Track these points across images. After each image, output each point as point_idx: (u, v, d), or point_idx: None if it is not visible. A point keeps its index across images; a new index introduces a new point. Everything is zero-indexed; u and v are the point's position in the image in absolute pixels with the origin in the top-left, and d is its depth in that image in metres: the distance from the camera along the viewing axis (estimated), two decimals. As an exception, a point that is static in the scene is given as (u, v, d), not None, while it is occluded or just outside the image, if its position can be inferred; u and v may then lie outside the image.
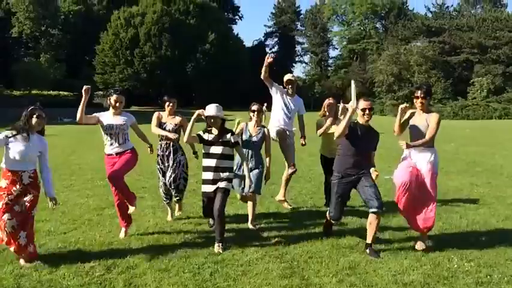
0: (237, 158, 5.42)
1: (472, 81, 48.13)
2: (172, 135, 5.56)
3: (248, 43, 67.71)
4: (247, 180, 5.09)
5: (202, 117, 4.91)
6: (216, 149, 4.91)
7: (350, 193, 5.07)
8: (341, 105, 6.32)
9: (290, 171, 6.23)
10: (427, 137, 4.73)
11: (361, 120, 4.89)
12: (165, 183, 5.83)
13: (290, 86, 6.42)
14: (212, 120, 4.90)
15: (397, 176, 4.83)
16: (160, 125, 5.79)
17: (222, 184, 4.89)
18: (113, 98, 5.14)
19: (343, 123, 4.76)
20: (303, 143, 6.75)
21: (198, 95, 50.68)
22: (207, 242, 5.04)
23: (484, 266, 4.36)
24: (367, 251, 4.68)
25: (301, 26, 75.38)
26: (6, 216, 4.21)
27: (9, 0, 51.29)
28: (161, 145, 5.81)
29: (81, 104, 4.97)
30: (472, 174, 10.08)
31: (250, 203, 5.69)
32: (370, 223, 4.72)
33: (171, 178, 5.71)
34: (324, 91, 64.93)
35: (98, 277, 4.05)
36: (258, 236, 5.34)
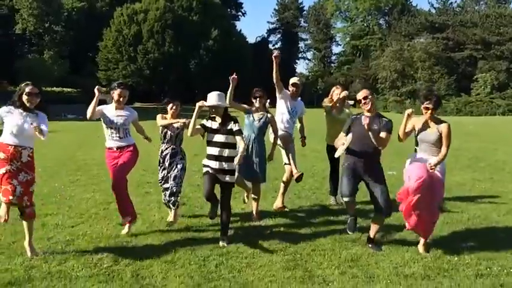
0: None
1: (475, 77, 48.08)
2: (181, 121, 5.32)
3: (251, 39, 67.72)
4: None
5: (205, 108, 4.86)
6: (220, 138, 4.86)
7: (360, 178, 4.80)
8: (343, 93, 6.37)
9: (296, 175, 6.05)
10: (445, 150, 4.61)
11: (365, 110, 4.81)
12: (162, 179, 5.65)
13: (295, 89, 6.33)
14: (214, 110, 4.87)
15: (412, 170, 4.54)
16: (161, 128, 5.59)
17: (227, 178, 4.90)
18: (117, 92, 5.08)
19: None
20: (304, 143, 6.76)
21: (200, 92, 50.76)
22: (211, 235, 5.14)
23: (484, 259, 4.44)
24: (370, 245, 4.77)
25: (304, 22, 75.37)
26: (15, 182, 4.23)
27: (13, -3, 51.38)
28: (162, 149, 5.59)
29: (93, 102, 5.02)
30: (474, 169, 10.15)
31: (253, 196, 5.76)
32: (375, 222, 4.78)
33: (165, 180, 5.54)
34: (327, 87, 64.79)
35: (105, 268, 4.16)
36: (261, 230, 5.44)
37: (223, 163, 4.87)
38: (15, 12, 50.65)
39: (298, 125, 6.61)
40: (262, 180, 5.82)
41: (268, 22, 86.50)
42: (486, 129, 24.31)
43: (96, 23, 51.64)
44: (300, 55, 76.47)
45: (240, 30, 61.95)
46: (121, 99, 5.06)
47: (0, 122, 4.38)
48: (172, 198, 5.44)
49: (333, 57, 75.11)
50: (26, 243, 4.51)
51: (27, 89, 4.37)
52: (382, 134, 4.62)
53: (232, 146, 4.93)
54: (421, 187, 4.36)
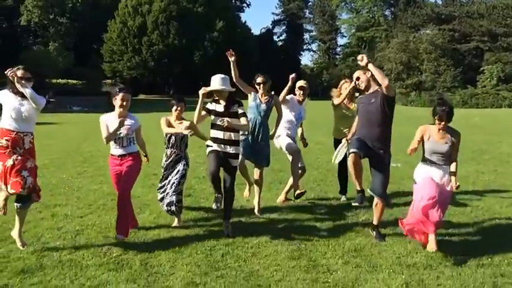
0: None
1: (482, 69, 47.77)
2: (187, 131, 4.93)
3: (256, 31, 67.45)
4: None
5: (207, 91, 4.80)
6: (222, 121, 4.77)
7: (369, 150, 4.68)
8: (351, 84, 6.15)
9: (298, 192, 5.91)
10: (457, 161, 4.56)
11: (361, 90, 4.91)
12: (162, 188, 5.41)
13: (302, 92, 6.22)
14: (218, 94, 4.82)
15: (424, 189, 4.38)
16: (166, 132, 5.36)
17: (232, 162, 4.91)
18: (119, 97, 4.81)
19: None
20: (305, 145, 6.73)
21: (205, 83, 50.71)
22: (217, 225, 5.23)
23: (486, 249, 4.50)
24: (373, 233, 4.84)
25: (310, 13, 75.08)
26: (25, 173, 4.16)
27: (18, -11, 51.42)
28: (167, 153, 5.39)
29: (114, 131, 4.76)
30: (478, 162, 10.18)
31: (256, 187, 5.79)
32: (376, 205, 4.83)
33: (168, 189, 5.27)
34: (332, 79, 64.59)
35: (115, 257, 4.27)
36: (266, 221, 5.53)
37: (228, 146, 4.87)
38: (20, 3, 50.70)
39: (299, 129, 6.56)
40: (266, 164, 5.79)
41: (273, 13, 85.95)
42: (491, 121, 24.25)
43: (100, 14, 51.64)
44: (304, 47, 76.26)
45: (245, 22, 61.83)
46: (124, 103, 4.79)
47: None
48: (172, 207, 5.14)
49: (338, 49, 74.91)
50: (16, 234, 4.44)
51: (18, 73, 4.24)
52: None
53: (236, 129, 4.90)
54: (433, 207, 4.27)
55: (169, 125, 5.29)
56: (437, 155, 4.51)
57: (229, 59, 5.33)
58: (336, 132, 6.59)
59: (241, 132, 5.19)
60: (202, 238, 4.80)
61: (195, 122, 4.92)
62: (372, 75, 4.73)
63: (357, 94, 6.92)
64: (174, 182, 5.17)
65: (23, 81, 4.23)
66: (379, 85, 4.67)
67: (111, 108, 5.00)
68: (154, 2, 50.22)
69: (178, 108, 5.27)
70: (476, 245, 4.67)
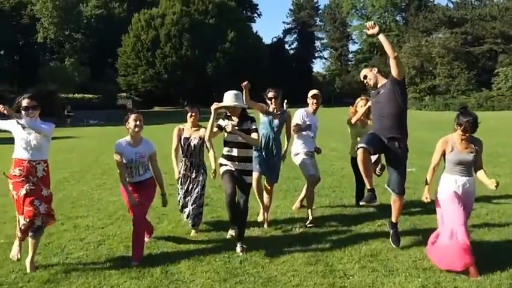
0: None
1: (496, 71, 47.20)
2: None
3: (267, 40, 68.00)
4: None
5: (221, 110, 4.72)
6: (236, 137, 4.72)
7: (382, 146, 4.60)
8: (368, 103, 6.08)
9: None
10: (482, 164, 4.39)
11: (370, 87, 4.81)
12: (183, 198, 5.48)
13: (315, 101, 6.03)
14: (231, 110, 4.76)
15: (451, 214, 4.20)
16: (184, 140, 5.38)
17: (246, 179, 4.86)
18: (132, 118, 4.70)
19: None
20: (319, 151, 6.27)
21: (218, 94, 51.22)
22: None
23: (502, 251, 4.51)
24: (391, 231, 4.74)
25: (320, 21, 75.36)
26: (37, 202, 4.16)
27: (34, 7, 52.67)
28: (185, 162, 5.41)
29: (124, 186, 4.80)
30: (495, 164, 10.10)
31: (266, 196, 5.71)
32: (394, 202, 4.72)
33: (190, 202, 5.37)
34: (344, 86, 64.68)
35: (136, 266, 4.39)
36: (283, 227, 5.60)
37: (242, 163, 4.82)
38: (36, 21, 51.95)
39: None
40: (276, 181, 5.77)
41: (283, 22, 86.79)
42: (507, 123, 23.95)
43: (114, 29, 52.68)
44: (316, 54, 76.50)
45: (256, 32, 62.25)
46: (138, 122, 4.67)
47: (9, 129, 4.34)
48: (196, 220, 5.32)
49: (350, 56, 75.01)
50: (27, 260, 4.35)
51: (23, 103, 4.25)
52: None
53: (250, 146, 4.88)
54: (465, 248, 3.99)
55: (181, 136, 5.38)
56: (461, 166, 4.32)
57: (244, 89, 5.05)
58: (353, 150, 6.25)
59: (253, 148, 5.15)
60: (220, 246, 4.91)
61: (206, 138, 4.87)
62: (379, 70, 4.75)
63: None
64: (196, 196, 5.31)
65: (29, 111, 4.23)
66: (387, 78, 4.66)
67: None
68: (167, 15, 51.06)
69: (193, 114, 5.32)
70: (492, 248, 4.68)
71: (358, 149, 4.46)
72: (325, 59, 77.28)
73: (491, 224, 5.52)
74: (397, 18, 67.79)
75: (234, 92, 4.78)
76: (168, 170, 9.27)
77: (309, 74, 67.65)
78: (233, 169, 4.80)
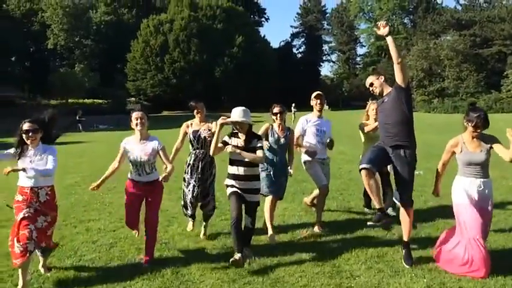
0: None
1: (505, 73, 46.92)
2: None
3: (275, 44, 68.22)
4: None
5: (227, 123, 4.58)
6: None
7: (386, 157, 4.44)
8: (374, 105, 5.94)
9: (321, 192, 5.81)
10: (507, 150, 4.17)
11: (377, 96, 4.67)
12: (190, 195, 5.43)
13: (319, 102, 5.82)
14: (238, 126, 4.63)
15: (473, 224, 4.14)
16: (193, 133, 5.41)
17: (253, 198, 4.70)
18: (133, 116, 4.71)
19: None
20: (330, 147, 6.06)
21: (227, 98, 51.51)
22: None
23: (507, 253, 4.56)
24: (403, 251, 4.48)
25: (328, 25, 75.42)
26: (31, 227, 4.07)
27: (44, 14, 53.39)
28: (197, 154, 5.40)
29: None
30: (502, 167, 10.09)
31: (267, 212, 5.41)
32: (402, 216, 4.48)
33: (202, 193, 5.40)
34: (352, 89, 64.62)
35: (148, 267, 4.51)
36: (290, 230, 5.69)
37: (248, 182, 4.65)
38: (46, 27, 52.64)
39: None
40: (282, 197, 5.67)
41: (291, 26, 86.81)
42: None
43: (123, 35, 53.20)
44: (324, 58, 76.55)
45: (264, 36, 62.53)
46: (139, 121, 4.64)
47: (9, 159, 4.28)
48: (212, 212, 5.61)
49: (358, 59, 74.90)
50: (40, 265, 4.49)
51: (24, 127, 4.19)
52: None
53: (257, 164, 4.73)
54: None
55: (186, 131, 5.50)
56: (473, 167, 4.21)
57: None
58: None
59: (260, 166, 5.09)
60: (229, 247, 5.00)
61: (211, 153, 4.71)
62: (386, 79, 4.60)
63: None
64: (211, 189, 5.51)
65: (29, 134, 4.15)
66: (392, 86, 4.50)
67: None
68: (175, 20, 51.46)
69: (200, 110, 5.38)
70: (498, 249, 4.72)
71: (360, 170, 4.27)
72: (333, 62, 77.34)
73: (498, 225, 5.56)
74: (405, 21, 67.64)
75: (242, 108, 4.63)
76: (177, 174, 9.42)
77: (317, 78, 67.66)
78: (239, 190, 4.63)
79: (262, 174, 5.26)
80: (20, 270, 4.02)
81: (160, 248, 5.11)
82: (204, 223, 5.57)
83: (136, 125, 4.68)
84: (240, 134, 4.66)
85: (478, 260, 3.97)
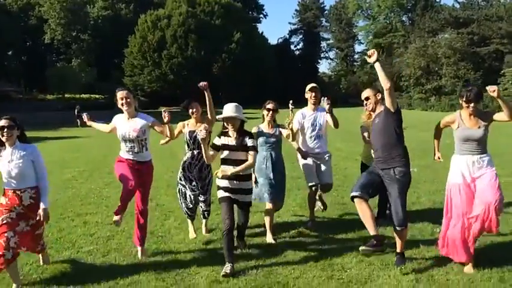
0: (258, 163, 5.10)
1: (502, 71, 47.06)
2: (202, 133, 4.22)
3: (273, 41, 68.20)
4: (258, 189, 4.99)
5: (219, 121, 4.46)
6: (235, 155, 4.41)
7: (379, 181, 4.29)
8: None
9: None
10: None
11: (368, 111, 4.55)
12: (190, 195, 5.27)
13: (313, 95, 5.68)
14: (230, 123, 4.41)
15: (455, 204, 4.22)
16: (189, 133, 5.24)
17: (245, 198, 4.54)
18: (118, 96, 4.55)
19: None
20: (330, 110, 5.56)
21: (224, 94, 51.58)
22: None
23: (495, 247, 4.67)
24: (395, 257, 4.35)
25: (326, 22, 75.44)
26: (9, 234, 3.88)
27: (41, 8, 53.24)
28: (193, 153, 5.23)
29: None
30: (497, 163, 10.22)
31: (268, 217, 5.26)
32: (396, 232, 4.29)
33: (202, 190, 5.28)
34: (349, 87, 64.74)
35: (144, 259, 4.61)
36: (284, 223, 5.80)
37: (242, 182, 4.48)
38: (43, 22, 52.51)
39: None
40: (280, 201, 5.38)
41: (289, 23, 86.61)
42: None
43: (121, 30, 53.12)
44: (322, 55, 76.61)
45: (262, 33, 62.55)
46: (124, 101, 4.52)
47: None
48: (209, 208, 5.45)
49: (356, 56, 74.95)
50: (40, 257, 4.53)
51: (0, 123, 3.97)
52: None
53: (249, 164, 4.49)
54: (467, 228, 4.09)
55: (182, 130, 5.32)
56: (470, 143, 4.17)
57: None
58: (364, 155, 6.02)
59: (258, 172, 5.10)
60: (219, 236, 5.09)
61: (207, 162, 4.56)
62: (382, 98, 4.44)
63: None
64: (209, 186, 5.32)
65: (4, 130, 3.95)
66: (383, 104, 4.35)
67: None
68: (173, 16, 51.39)
69: (195, 109, 5.19)
70: (485, 243, 4.81)
71: (352, 198, 4.21)
72: (331, 59, 77.42)
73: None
74: (403, 19, 67.64)
75: (235, 103, 4.47)
76: (174, 169, 9.50)
77: (315, 75, 67.64)
78: (230, 194, 4.44)
79: (261, 181, 5.15)
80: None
81: (157, 241, 5.22)
82: (204, 220, 5.52)
83: (122, 105, 4.54)
84: (230, 133, 4.45)
85: (459, 244, 4.06)
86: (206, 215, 5.48)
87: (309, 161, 5.70)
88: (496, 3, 55.97)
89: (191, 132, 5.23)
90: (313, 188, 5.68)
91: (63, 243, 5.23)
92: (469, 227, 4.11)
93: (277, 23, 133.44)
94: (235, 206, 4.52)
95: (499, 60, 49.92)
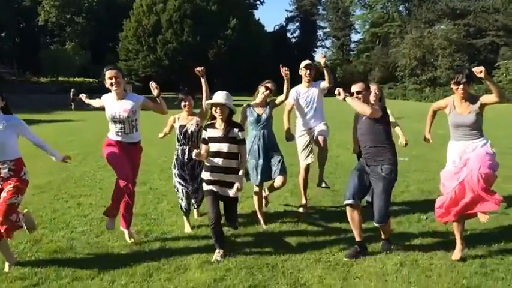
0: (248, 143, 5.02)
1: (497, 64, 47.26)
2: (195, 153, 4.23)
3: (269, 28, 67.80)
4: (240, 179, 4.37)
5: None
6: (222, 147, 4.25)
7: (368, 181, 4.36)
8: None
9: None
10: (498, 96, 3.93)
11: None
12: (187, 192, 5.12)
13: (308, 72, 5.66)
14: (219, 110, 4.24)
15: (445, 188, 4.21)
16: (180, 128, 5.11)
17: (231, 193, 4.32)
18: (107, 75, 4.36)
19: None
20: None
21: (219, 81, 51.39)
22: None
23: (480, 234, 4.81)
24: (381, 243, 4.46)
25: (323, 10, 75.02)
26: None
27: (36, -11, 52.56)
28: (183, 150, 5.08)
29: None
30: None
31: (257, 201, 5.31)
32: (380, 229, 4.40)
33: (195, 188, 5.11)
34: (345, 76, 64.62)
35: (137, 240, 4.70)
36: (275, 209, 5.91)
37: (228, 175, 4.31)
38: (37, 4, 51.84)
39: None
40: (284, 172, 5.16)
41: (286, 10, 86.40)
42: (503, 116, 24.19)
43: (116, 13, 52.59)
44: (318, 43, 76.35)
45: (258, 19, 62.12)
46: (113, 80, 4.35)
47: None
48: (201, 203, 5.28)
49: (352, 45, 74.82)
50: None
51: None
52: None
53: (237, 156, 4.34)
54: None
55: (173, 125, 5.20)
56: (463, 129, 4.11)
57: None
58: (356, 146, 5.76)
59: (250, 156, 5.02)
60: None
61: (203, 158, 4.43)
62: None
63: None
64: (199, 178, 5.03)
65: None
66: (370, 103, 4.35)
67: None
68: (169, 0, 50.91)
69: (187, 103, 5.04)
70: (467, 229, 4.92)
71: (345, 205, 4.31)
72: (327, 48, 77.16)
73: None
74: (400, 9, 67.45)
75: (225, 92, 4.33)
76: (168, 154, 9.57)
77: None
78: (214, 187, 4.33)
79: (252, 163, 5.08)
80: None
81: (149, 223, 5.32)
82: (197, 208, 5.51)
83: (111, 84, 4.36)
84: (217, 124, 4.31)
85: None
86: (197, 206, 5.43)
87: (305, 139, 5.73)
88: (493, -5, 55.93)
89: (181, 127, 5.10)
90: (307, 166, 5.70)
91: (57, 223, 5.31)
92: (460, 192, 4.05)
93: (273, 9, 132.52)
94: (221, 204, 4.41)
95: (494, 52, 50.11)
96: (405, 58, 52.01)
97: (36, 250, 4.46)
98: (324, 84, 5.72)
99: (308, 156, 5.82)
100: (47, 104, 32.06)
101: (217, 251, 4.27)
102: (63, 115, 26.08)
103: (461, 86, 4.03)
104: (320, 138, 5.59)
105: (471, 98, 4.12)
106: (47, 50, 48.11)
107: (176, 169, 5.14)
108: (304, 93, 5.75)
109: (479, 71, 3.79)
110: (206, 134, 4.34)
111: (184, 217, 5.21)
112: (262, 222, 5.27)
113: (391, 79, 54.75)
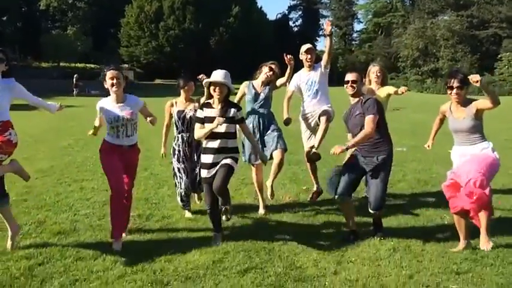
0: (249, 121, 5.04)
1: (499, 56, 47.14)
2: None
3: (272, 16, 67.40)
4: (254, 150, 4.70)
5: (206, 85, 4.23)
6: (220, 127, 4.11)
7: (362, 173, 4.45)
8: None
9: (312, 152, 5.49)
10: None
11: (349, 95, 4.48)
12: (187, 182, 5.06)
13: (309, 57, 5.63)
14: (218, 89, 4.11)
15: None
16: (178, 113, 5.03)
17: (226, 160, 4.17)
18: (108, 75, 4.19)
19: None
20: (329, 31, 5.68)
21: (221, 68, 51.25)
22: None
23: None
24: (374, 230, 4.54)
25: (326, -2, 74.46)
26: None
27: (37, -27, 52.21)
28: (182, 137, 5.01)
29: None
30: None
31: (275, 164, 5.13)
32: (371, 215, 4.49)
33: (192, 183, 5.10)
34: (347, 65, 64.40)
35: (138, 224, 4.85)
36: (274, 200, 6.03)
37: (222, 156, 4.20)
38: (39, -12, 51.58)
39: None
40: (284, 146, 5.12)
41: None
42: (505, 109, 24.26)
43: (118, -1, 52.24)
44: (320, 32, 75.76)
45: (261, 7, 61.90)
46: (115, 81, 4.17)
47: None
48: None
49: (354, 35, 74.38)
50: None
51: None
52: (366, 118, 4.19)
53: (234, 135, 4.29)
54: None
55: (171, 111, 5.08)
56: (461, 134, 4.04)
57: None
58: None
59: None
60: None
61: (195, 138, 4.42)
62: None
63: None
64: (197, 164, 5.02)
65: None
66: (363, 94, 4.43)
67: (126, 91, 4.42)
68: (171, -13, 50.56)
69: (187, 88, 4.96)
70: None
71: (337, 198, 4.39)
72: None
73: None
74: (404, -1, 67.07)
75: (225, 70, 4.23)
76: (169, 144, 9.69)
77: (313, 53, 67.35)
78: (210, 176, 4.20)
79: (249, 143, 5.01)
80: None
81: (150, 207, 5.47)
82: (197, 195, 5.57)
83: (112, 85, 4.17)
84: (214, 104, 4.21)
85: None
86: (198, 193, 5.46)
87: (308, 122, 5.69)
88: (497, -13, 55.51)
89: (180, 112, 5.00)
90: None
91: (61, 206, 5.45)
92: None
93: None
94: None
95: (496, 44, 49.94)
96: (407, 49, 51.85)
97: (40, 231, 4.59)
98: (324, 58, 5.63)
99: (310, 138, 5.78)
100: (49, 89, 31.97)
101: (214, 236, 4.35)
102: (64, 101, 25.93)
103: (455, 90, 3.96)
104: (322, 118, 5.47)
105: (467, 103, 4.03)
106: (49, 35, 47.91)
107: (175, 159, 5.06)
108: (305, 76, 5.70)
109: (475, 80, 3.66)
110: (202, 113, 4.23)
111: (185, 211, 5.18)
112: (261, 206, 5.38)
113: (393, 69, 54.61)
